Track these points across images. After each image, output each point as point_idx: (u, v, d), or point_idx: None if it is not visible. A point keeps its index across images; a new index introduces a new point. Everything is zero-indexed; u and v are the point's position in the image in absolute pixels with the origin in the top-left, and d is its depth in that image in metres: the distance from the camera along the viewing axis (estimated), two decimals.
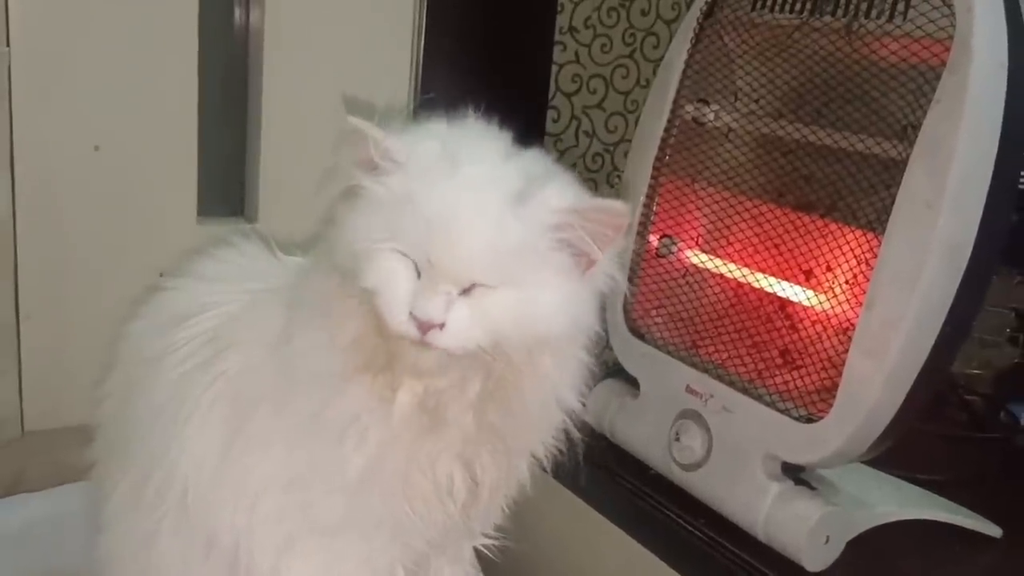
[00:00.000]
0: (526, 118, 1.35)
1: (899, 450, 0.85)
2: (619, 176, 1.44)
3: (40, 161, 0.93)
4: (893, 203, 0.79)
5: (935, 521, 0.92)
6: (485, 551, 0.71)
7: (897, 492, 0.95)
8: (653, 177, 1.03)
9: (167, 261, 0.94)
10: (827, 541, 0.84)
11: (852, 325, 0.83)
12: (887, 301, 0.78)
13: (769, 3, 0.91)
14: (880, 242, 0.80)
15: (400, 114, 0.62)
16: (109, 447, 0.69)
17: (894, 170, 0.81)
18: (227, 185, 1.11)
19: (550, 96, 1.40)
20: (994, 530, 0.93)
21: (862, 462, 0.91)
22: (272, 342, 0.61)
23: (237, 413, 0.61)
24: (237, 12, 1.11)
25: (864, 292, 0.82)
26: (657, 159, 1.03)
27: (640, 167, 1.04)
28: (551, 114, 1.41)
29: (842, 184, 0.89)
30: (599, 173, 1.47)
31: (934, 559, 0.91)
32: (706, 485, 0.92)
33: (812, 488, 0.88)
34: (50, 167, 0.94)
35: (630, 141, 1.49)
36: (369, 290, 0.54)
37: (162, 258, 0.91)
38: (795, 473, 0.88)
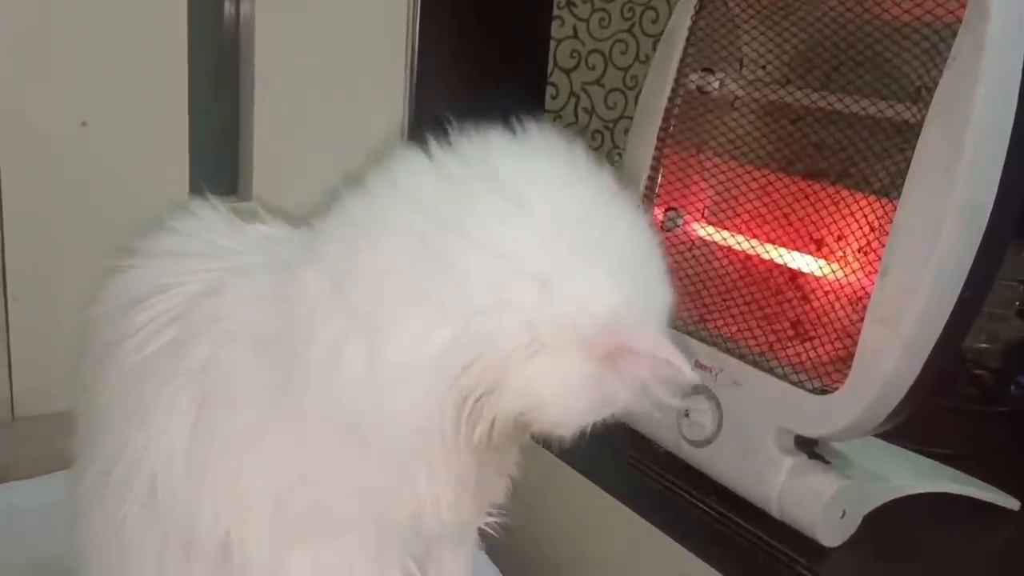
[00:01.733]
0: (525, 95, 1.33)
1: (910, 424, 0.83)
2: (619, 153, 1.42)
3: (27, 137, 0.91)
4: (908, 167, 0.77)
5: (952, 494, 0.91)
6: (487, 529, 0.69)
7: (912, 465, 0.94)
8: (657, 150, 1.01)
9: None
10: (843, 515, 0.82)
11: (866, 294, 0.81)
12: (903, 268, 0.76)
13: None
14: (895, 208, 0.78)
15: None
16: (82, 434, 0.65)
17: (908, 133, 0.79)
18: (219, 163, 1.08)
19: (548, 72, 1.37)
20: (1011, 503, 0.92)
21: (876, 436, 0.90)
22: (255, 339, 0.56)
23: (213, 409, 0.57)
24: None
25: (878, 260, 0.80)
26: (661, 131, 1.01)
27: (643, 140, 1.02)
28: (550, 91, 1.38)
29: (854, 150, 0.87)
30: (599, 150, 1.45)
31: (953, 532, 0.90)
32: (717, 461, 0.90)
33: (826, 462, 0.86)
34: (37, 143, 0.92)
35: (630, 118, 1.48)
36: None
37: None
38: (809, 447, 0.86)
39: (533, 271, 0.51)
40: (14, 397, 0.94)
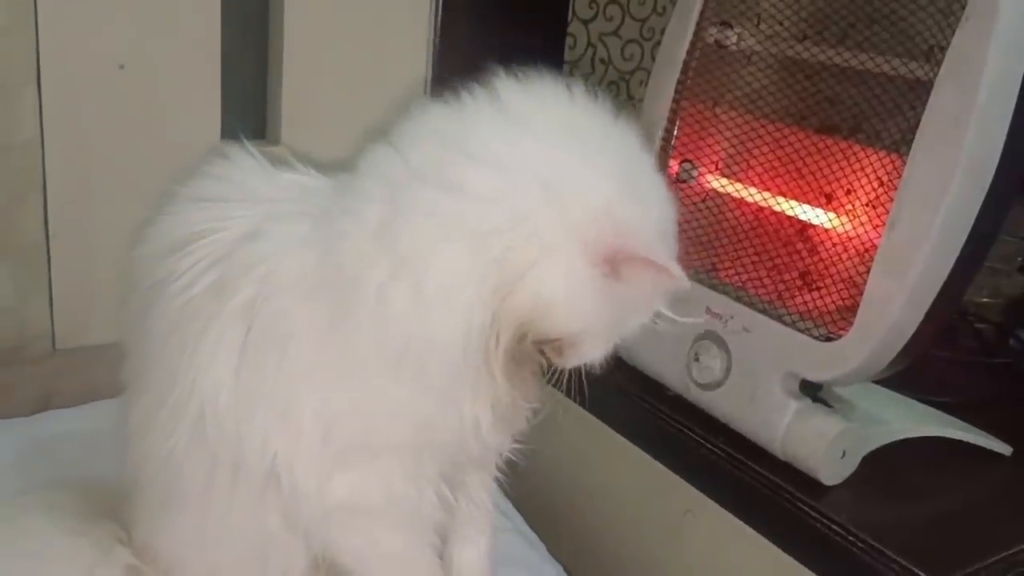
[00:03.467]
0: (544, 46, 1.35)
1: (911, 374, 0.86)
2: (635, 105, 1.44)
3: (66, 80, 0.93)
4: (918, 123, 0.80)
5: (947, 439, 0.94)
6: (511, 456, 0.73)
7: (911, 411, 0.98)
8: (674, 102, 1.03)
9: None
10: (843, 456, 0.86)
11: (873, 246, 0.84)
12: (910, 221, 0.79)
13: None
14: (904, 163, 0.81)
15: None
16: (131, 368, 0.69)
17: (919, 90, 0.81)
18: (249, 107, 1.10)
19: (567, 23, 1.39)
20: (1004, 448, 0.96)
21: (877, 382, 0.94)
22: (300, 283, 0.60)
23: (260, 346, 0.61)
24: None
25: (886, 213, 0.83)
26: (679, 84, 1.03)
27: (661, 93, 1.04)
28: (568, 41, 1.40)
29: (866, 106, 0.89)
30: (615, 101, 1.46)
31: (946, 474, 0.93)
32: (724, 404, 0.94)
33: (829, 406, 0.90)
34: (76, 86, 0.94)
35: (646, 69, 1.49)
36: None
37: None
38: (813, 392, 0.90)
39: (535, 178, 0.56)
40: (55, 330, 0.98)
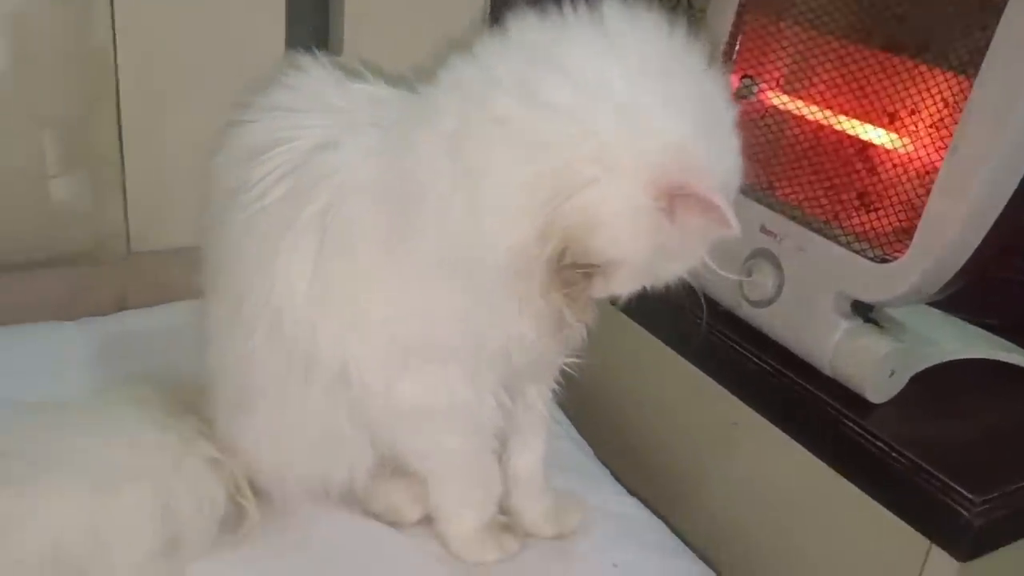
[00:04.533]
0: None
1: (962, 294, 0.87)
2: (695, 15, 1.42)
3: None
4: (987, 45, 0.78)
5: (995, 361, 0.95)
6: (567, 369, 0.76)
7: (960, 332, 0.98)
8: (738, 16, 1.02)
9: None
10: (891, 375, 0.88)
11: (935, 169, 0.84)
12: (974, 143, 0.79)
13: None
14: (970, 85, 0.80)
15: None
16: (210, 271, 0.72)
17: (991, 11, 0.80)
18: (313, 16, 1.11)
19: None
20: None
21: (928, 304, 0.94)
22: (371, 192, 0.63)
23: (333, 253, 0.64)
24: None
25: (949, 136, 0.82)
26: None
27: (725, 6, 1.03)
28: None
29: (935, 25, 0.88)
30: (675, 13, 1.44)
31: (992, 395, 0.95)
32: (775, 321, 0.95)
33: (880, 326, 0.91)
34: None
35: None
36: None
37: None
38: (864, 312, 0.91)
39: (616, 100, 0.56)
40: (130, 234, 1.02)
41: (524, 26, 0.60)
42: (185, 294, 1.00)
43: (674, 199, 0.56)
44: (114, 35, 0.95)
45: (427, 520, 0.76)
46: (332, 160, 0.64)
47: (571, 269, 0.60)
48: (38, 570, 0.61)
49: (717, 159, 0.59)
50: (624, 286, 0.61)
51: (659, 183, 0.56)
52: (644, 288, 0.63)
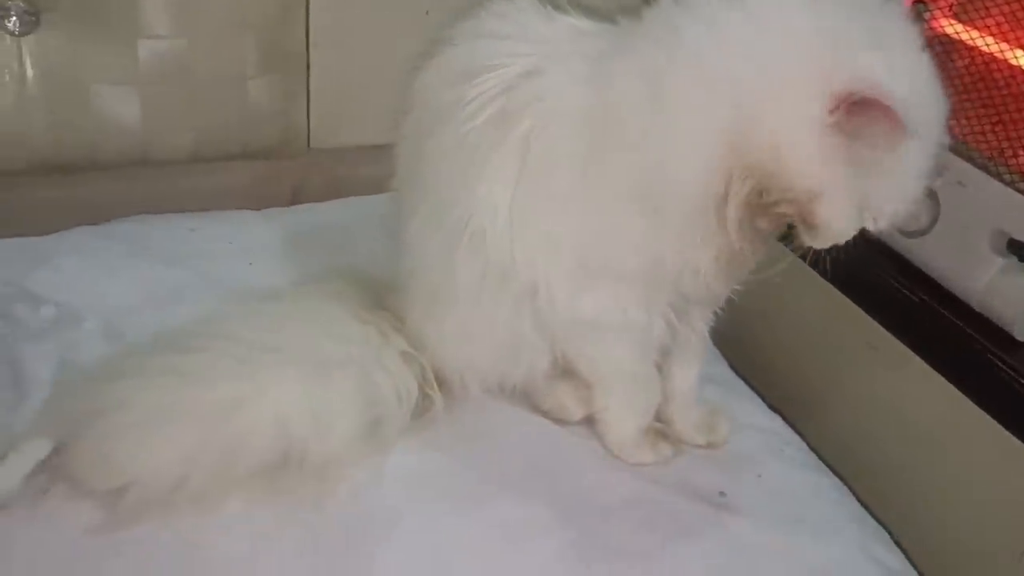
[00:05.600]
0: None
1: None
2: None
3: None
4: None
5: None
6: (732, 295, 0.80)
7: None
8: None
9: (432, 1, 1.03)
10: None
11: None
12: None
13: None
14: None
15: None
16: (408, 178, 0.78)
17: None
18: None
19: None
20: None
21: None
22: (572, 119, 0.67)
23: (533, 175, 0.69)
24: None
25: None
26: None
27: None
28: None
29: None
30: None
31: None
32: (926, 252, 0.96)
33: None
34: None
35: None
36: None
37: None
38: (1020, 250, 0.92)
39: (791, 31, 0.60)
40: (311, 132, 1.09)
41: None
42: (355, 190, 1.08)
43: (850, 111, 0.58)
44: None
45: (588, 420, 0.83)
46: (539, 86, 0.68)
47: (763, 209, 0.63)
48: (265, 440, 0.70)
49: (890, 75, 0.60)
50: (837, 221, 0.63)
51: (833, 94, 0.58)
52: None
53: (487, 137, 0.69)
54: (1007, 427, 0.87)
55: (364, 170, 1.06)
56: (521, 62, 0.69)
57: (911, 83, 0.61)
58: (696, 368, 0.84)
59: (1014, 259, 0.92)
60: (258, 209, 1.06)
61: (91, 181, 0.99)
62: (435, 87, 0.73)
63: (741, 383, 0.98)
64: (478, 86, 0.69)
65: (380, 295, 0.82)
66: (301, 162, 1.09)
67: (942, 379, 0.94)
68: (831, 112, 0.59)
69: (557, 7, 0.72)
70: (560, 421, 0.83)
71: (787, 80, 0.59)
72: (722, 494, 0.79)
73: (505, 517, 0.72)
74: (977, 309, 0.93)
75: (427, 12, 1.05)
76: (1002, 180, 0.91)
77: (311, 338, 0.76)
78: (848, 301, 1.03)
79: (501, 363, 0.78)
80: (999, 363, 0.89)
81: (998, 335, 0.91)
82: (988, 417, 0.89)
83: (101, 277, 0.89)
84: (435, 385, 0.79)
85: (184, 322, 0.79)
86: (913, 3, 1.03)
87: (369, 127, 1.07)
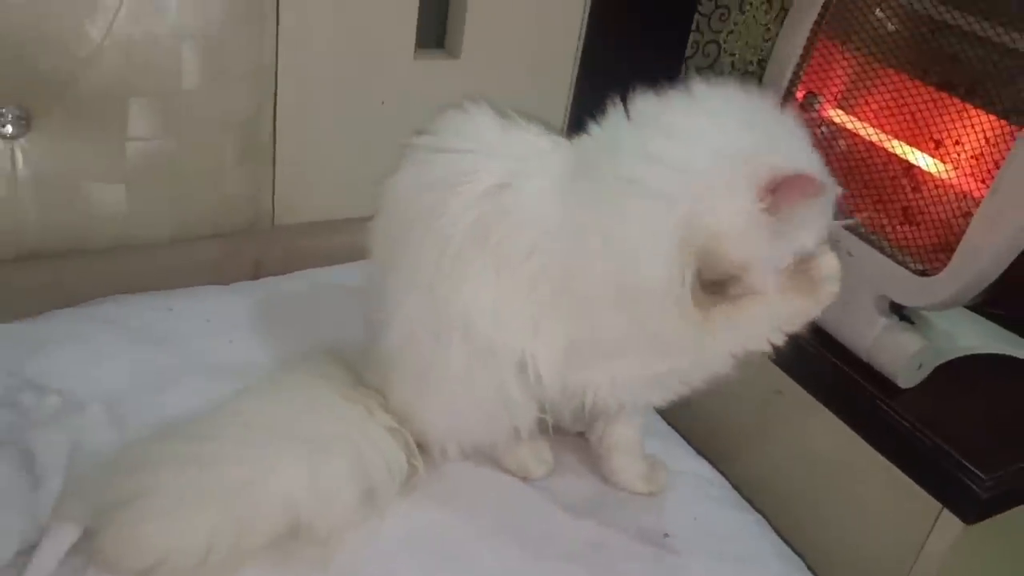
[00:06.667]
0: None
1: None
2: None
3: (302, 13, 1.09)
4: None
5: (1009, 356, 1.12)
6: None
7: (980, 329, 1.15)
8: (808, 40, 1.15)
9: (386, 93, 1.13)
10: (920, 367, 1.05)
11: (972, 195, 0.98)
12: (1014, 189, 0.92)
13: None
14: (1013, 132, 0.94)
15: None
16: (391, 271, 0.84)
17: None
18: (431, 19, 1.21)
19: None
20: None
21: None
22: (545, 230, 0.77)
23: (510, 279, 0.78)
24: None
25: (988, 169, 0.96)
26: (815, 22, 1.14)
27: (798, 29, 1.15)
28: None
29: (986, 71, 1.00)
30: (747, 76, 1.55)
31: (1004, 385, 1.12)
32: (825, 312, 1.09)
33: (912, 323, 1.08)
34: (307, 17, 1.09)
35: None
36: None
37: (383, 91, 1.12)
38: (900, 310, 1.07)
39: (711, 145, 0.74)
40: (275, 210, 1.17)
41: (642, 103, 0.77)
42: (312, 262, 1.17)
43: (774, 194, 0.72)
44: (277, 58, 1.08)
45: (548, 475, 0.93)
46: (506, 201, 0.78)
47: (710, 283, 0.75)
48: (275, 515, 0.77)
49: (795, 161, 0.75)
50: (761, 284, 0.76)
51: (758, 185, 0.72)
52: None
53: (466, 245, 0.78)
54: (894, 462, 1.02)
55: (319, 243, 1.19)
56: (486, 177, 0.78)
57: (809, 164, 0.76)
58: (640, 420, 0.94)
59: (895, 317, 1.07)
60: (226, 284, 1.12)
61: (71, 264, 1.04)
62: (408, 193, 0.82)
63: (674, 432, 1.09)
64: (457, 195, 0.78)
65: (359, 373, 0.90)
66: (263, 237, 1.17)
67: (839, 421, 1.08)
68: (762, 200, 0.72)
69: (504, 115, 0.83)
70: (524, 478, 0.92)
71: (721, 185, 0.73)
72: (666, 535, 0.90)
73: (487, 565, 0.82)
74: (866, 361, 1.08)
75: (382, 102, 1.15)
76: (884, 252, 1.06)
77: (307, 419, 0.84)
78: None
79: (485, 429, 0.86)
80: (885, 407, 1.04)
81: (884, 383, 1.06)
82: (878, 454, 1.03)
83: (93, 362, 0.93)
84: (418, 455, 0.87)
85: (184, 409, 0.85)
86: (804, 95, 1.18)
87: (324, 205, 1.20)
